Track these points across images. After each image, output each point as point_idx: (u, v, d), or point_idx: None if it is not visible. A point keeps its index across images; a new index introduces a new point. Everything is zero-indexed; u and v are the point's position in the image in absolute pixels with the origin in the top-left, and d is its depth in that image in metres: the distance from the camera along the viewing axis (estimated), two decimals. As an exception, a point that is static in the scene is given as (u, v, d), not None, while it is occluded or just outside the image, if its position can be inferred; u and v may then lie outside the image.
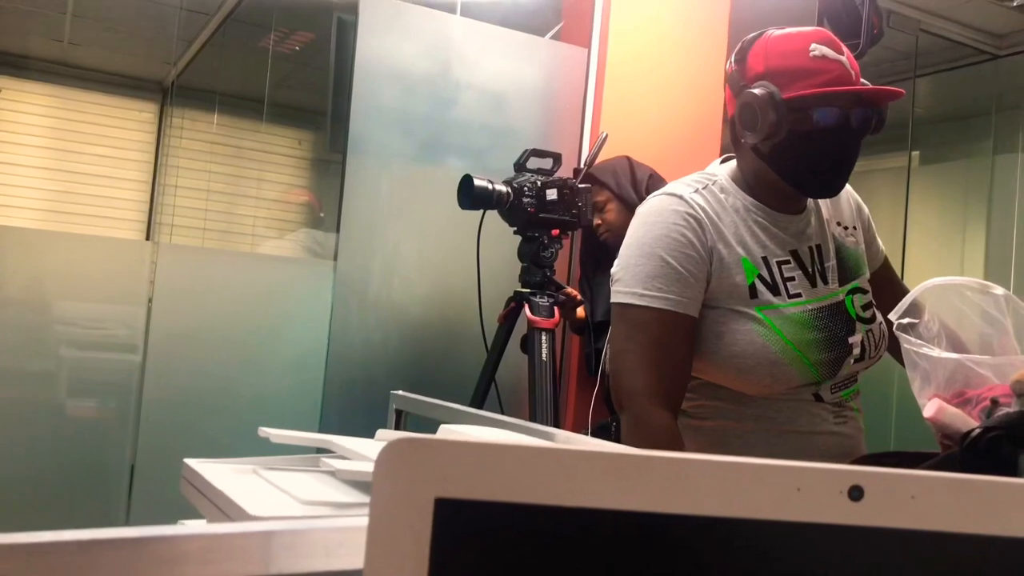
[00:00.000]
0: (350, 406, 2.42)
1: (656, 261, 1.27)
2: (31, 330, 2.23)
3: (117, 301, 2.30)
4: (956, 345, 1.19)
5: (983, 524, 0.45)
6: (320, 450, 0.94)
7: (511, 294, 2.30)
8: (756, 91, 1.24)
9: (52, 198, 5.17)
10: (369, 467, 0.71)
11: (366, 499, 0.72)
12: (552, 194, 2.22)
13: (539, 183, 2.22)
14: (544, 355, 2.18)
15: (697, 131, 2.82)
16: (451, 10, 2.74)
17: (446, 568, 0.42)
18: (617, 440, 1.97)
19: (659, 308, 1.26)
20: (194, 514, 0.86)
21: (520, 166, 2.28)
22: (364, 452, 0.80)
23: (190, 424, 2.31)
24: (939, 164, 4.08)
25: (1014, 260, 3.59)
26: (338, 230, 2.44)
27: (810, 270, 1.34)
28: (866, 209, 1.50)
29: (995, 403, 1.11)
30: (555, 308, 2.25)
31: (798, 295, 1.31)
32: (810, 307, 1.31)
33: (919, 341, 1.17)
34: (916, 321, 1.19)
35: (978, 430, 1.04)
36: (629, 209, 2.33)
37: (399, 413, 1.44)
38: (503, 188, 2.20)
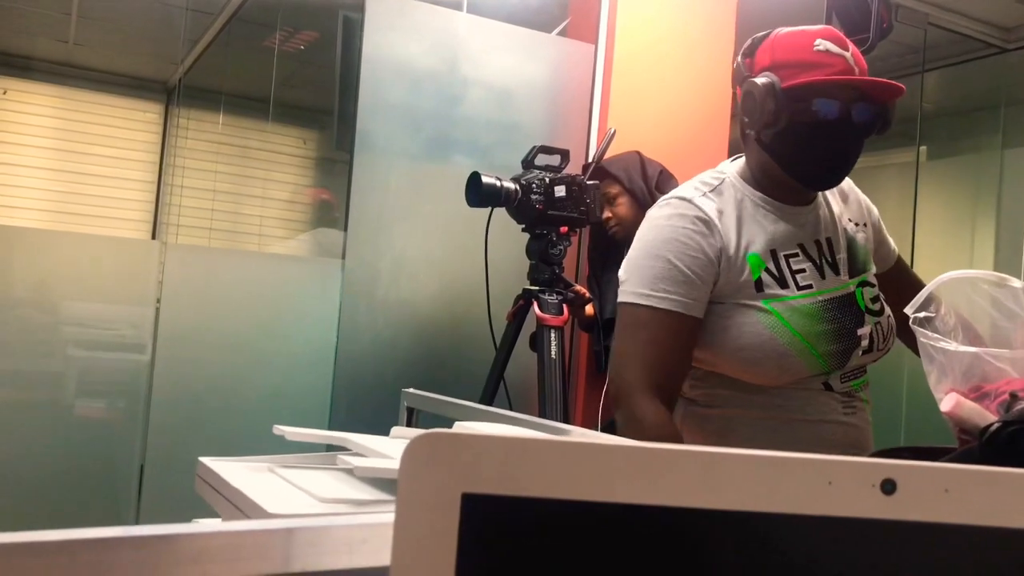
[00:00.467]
0: (359, 404, 2.41)
1: (662, 263, 1.28)
2: (39, 331, 2.23)
3: (125, 301, 2.30)
4: (973, 338, 1.18)
5: (1018, 518, 0.44)
6: (331, 448, 0.93)
7: (520, 292, 2.30)
8: (757, 80, 1.27)
9: (58, 199, 5.18)
10: (388, 464, 0.71)
11: (385, 496, 0.71)
12: (560, 191, 2.21)
13: (547, 180, 2.21)
14: (553, 353, 2.17)
15: (705, 126, 2.81)
16: (457, 7, 2.73)
17: (473, 564, 0.41)
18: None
19: (663, 309, 1.27)
20: (207, 513, 0.85)
21: (528, 163, 2.28)
22: (381, 449, 0.79)
23: (199, 423, 2.31)
24: (948, 159, 4.06)
25: (1024, 255, 3.57)
26: (346, 228, 2.43)
27: (819, 262, 1.35)
28: (876, 211, 1.51)
29: (1014, 397, 1.10)
30: (564, 306, 2.24)
31: (808, 286, 1.31)
32: (820, 298, 1.31)
33: (936, 335, 1.16)
34: (932, 315, 1.18)
35: (997, 424, 1.03)
36: (639, 204, 2.32)
37: (411, 411, 1.44)
38: (511, 185, 2.19)
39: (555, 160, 2.31)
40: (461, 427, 0.95)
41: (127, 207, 5.38)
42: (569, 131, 2.70)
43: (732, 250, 1.30)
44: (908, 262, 3.62)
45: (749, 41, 1.35)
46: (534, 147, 2.29)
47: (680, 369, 1.30)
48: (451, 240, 2.53)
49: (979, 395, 1.17)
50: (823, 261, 1.35)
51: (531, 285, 2.28)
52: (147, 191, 5.45)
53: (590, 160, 2.58)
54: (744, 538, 0.43)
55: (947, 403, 1.14)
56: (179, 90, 5.27)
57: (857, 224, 1.44)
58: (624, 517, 0.42)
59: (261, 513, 0.64)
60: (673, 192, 1.38)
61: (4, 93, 5.08)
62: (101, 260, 2.31)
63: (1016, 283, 1.18)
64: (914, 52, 3.66)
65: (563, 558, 0.42)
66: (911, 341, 1.40)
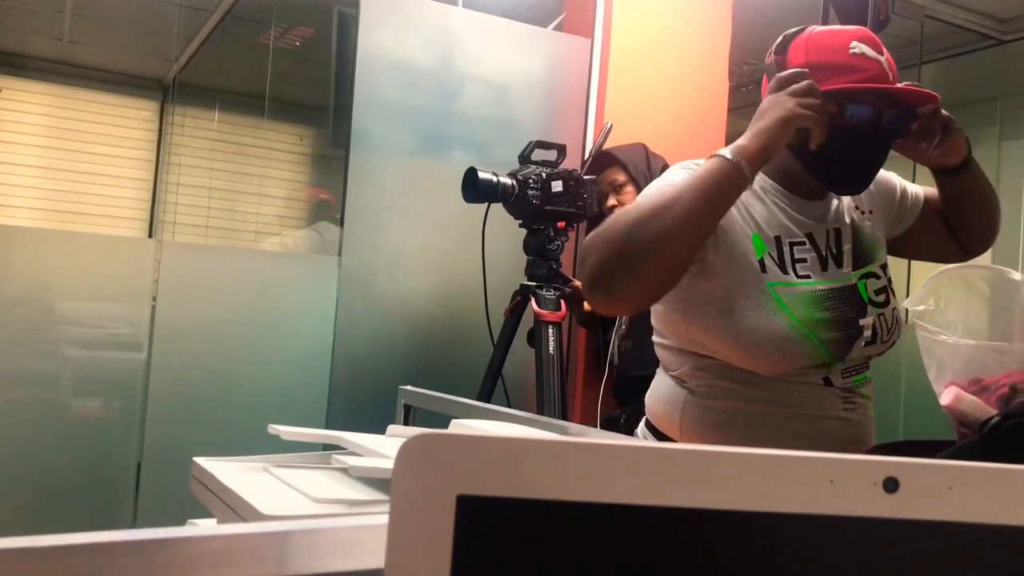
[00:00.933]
0: (356, 401, 2.41)
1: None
2: (36, 330, 2.22)
3: (121, 300, 2.29)
4: (972, 332, 1.18)
5: (1021, 515, 0.43)
6: (328, 447, 0.92)
7: (517, 287, 2.29)
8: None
9: (54, 197, 5.16)
10: (382, 463, 0.70)
11: (380, 496, 0.70)
12: (558, 186, 2.20)
13: (544, 175, 2.20)
14: (551, 348, 2.17)
15: (702, 120, 2.80)
16: (452, 2, 2.72)
17: (469, 566, 0.40)
18: (626, 433, 1.95)
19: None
20: (203, 512, 0.85)
21: (525, 158, 2.27)
22: (377, 448, 0.79)
23: (196, 421, 2.30)
24: (944, 151, 4.04)
25: (1022, 246, 3.57)
26: (342, 225, 2.42)
27: (824, 253, 1.34)
28: (887, 181, 1.49)
29: (1014, 390, 1.10)
30: (561, 301, 2.23)
31: (807, 276, 1.30)
32: (820, 287, 1.30)
33: (935, 328, 1.16)
34: (931, 308, 1.18)
35: (997, 418, 1.03)
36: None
37: (408, 408, 1.43)
38: (508, 181, 2.18)
39: (552, 155, 2.30)
40: (457, 425, 0.95)
41: (123, 205, 5.37)
42: (566, 126, 2.69)
43: (735, 223, 1.29)
44: (906, 258, 3.61)
45: (780, 38, 1.33)
46: (530, 142, 2.28)
47: None
48: (448, 236, 2.52)
49: (979, 388, 1.16)
50: (828, 252, 1.34)
51: (528, 281, 2.27)
52: (143, 189, 5.44)
53: (587, 155, 2.57)
54: (745, 538, 0.42)
55: (947, 397, 1.14)
56: (174, 87, 5.26)
57: (864, 212, 1.43)
58: (622, 518, 0.41)
59: (255, 514, 0.64)
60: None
61: (-1, 91, 5.07)
62: (97, 259, 2.30)
63: (1015, 276, 1.17)
64: (911, 45, 3.65)
65: (561, 560, 0.41)
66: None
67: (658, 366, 1.44)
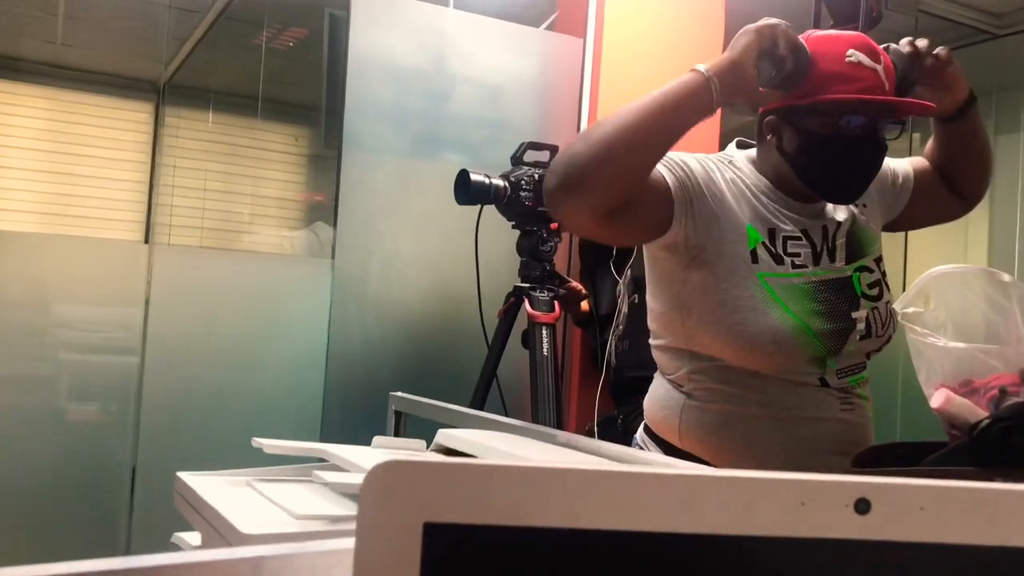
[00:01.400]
0: (351, 404, 2.40)
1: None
2: (28, 334, 2.22)
3: (115, 303, 2.29)
4: (962, 333, 1.17)
5: (995, 535, 0.43)
6: (320, 459, 0.92)
7: (511, 289, 2.28)
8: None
9: (48, 201, 5.15)
10: (360, 478, 0.70)
11: (361, 511, 0.70)
12: (550, 187, 2.20)
13: (537, 176, 2.20)
14: (545, 350, 2.16)
15: (695, 119, 2.79)
16: (444, 3, 2.72)
17: (437, 595, 0.40)
18: (624, 433, 1.95)
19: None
20: (187, 525, 0.84)
21: (517, 159, 2.26)
22: (359, 462, 0.78)
23: (191, 425, 2.30)
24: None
25: (1018, 242, 3.57)
26: (335, 227, 2.42)
27: (819, 248, 1.33)
28: (902, 174, 1.49)
29: (1004, 392, 1.09)
30: (555, 302, 2.23)
31: (801, 267, 1.30)
32: (813, 279, 1.30)
33: (925, 330, 1.15)
34: (921, 310, 1.17)
35: (987, 420, 1.02)
36: None
37: (399, 415, 1.43)
38: (500, 182, 2.18)
39: (544, 156, 2.30)
40: (443, 435, 0.95)
41: (119, 208, 5.36)
42: (559, 126, 2.69)
43: (728, 212, 1.28)
44: (901, 248, 3.60)
45: None
46: (523, 143, 2.27)
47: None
48: (441, 238, 2.52)
49: (969, 390, 1.16)
50: (823, 247, 1.33)
51: (522, 282, 2.27)
52: (139, 191, 5.43)
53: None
54: (715, 562, 0.42)
55: (937, 399, 1.13)
56: (168, 89, 5.24)
57: (858, 205, 1.42)
58: (593, 543, 0.41)
59: (234, 533, 0.63)
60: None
61: (-8, 95, 5.06)
62: (90, 263, 2.29)
63: (1006, 277, 1.17)
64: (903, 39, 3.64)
65: (530, 587, 0.41)
66: None
67: (655, 368, 1.44)
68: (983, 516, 0.43)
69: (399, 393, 1.43)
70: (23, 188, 5.07)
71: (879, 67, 1.25)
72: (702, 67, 1.21)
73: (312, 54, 4.19)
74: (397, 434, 1.41)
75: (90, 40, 4.97)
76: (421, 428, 1.23)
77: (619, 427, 2.10)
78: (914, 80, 1.32)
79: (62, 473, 2.19)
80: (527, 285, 2.24)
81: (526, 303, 2.21)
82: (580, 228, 1.50)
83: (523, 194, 2.18)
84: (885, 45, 1.31)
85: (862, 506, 0.42)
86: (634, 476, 0.41)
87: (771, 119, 1.32)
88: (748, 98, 1.25)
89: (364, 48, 2.43)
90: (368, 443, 1.03)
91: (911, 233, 3.56)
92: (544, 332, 2.18)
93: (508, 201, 2.19)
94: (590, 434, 2.20)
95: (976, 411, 1.11)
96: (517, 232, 2.29)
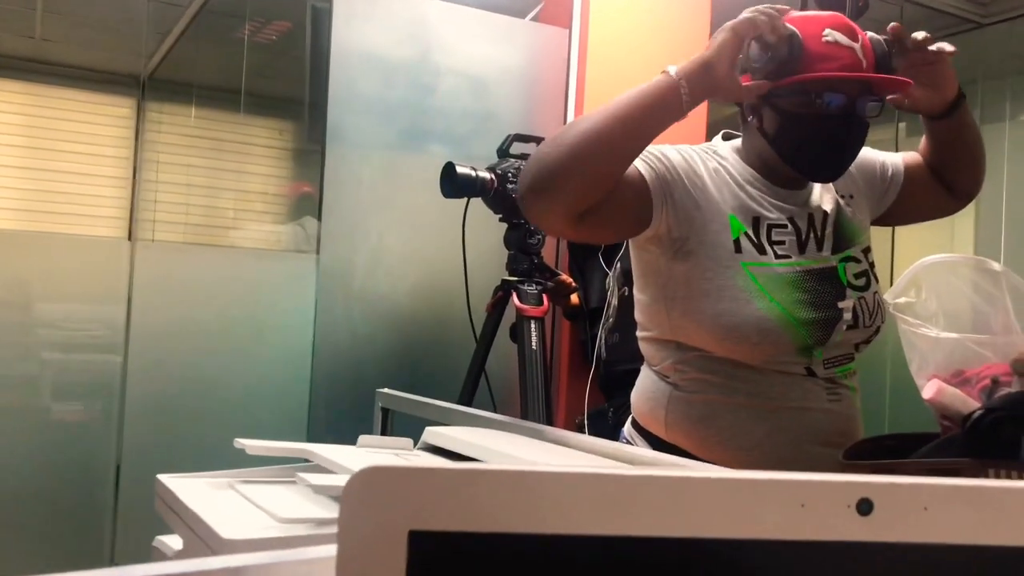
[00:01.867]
0: (338, 401, 2.38)
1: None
2: (10, 333, 2.18)
3: (96, 301, 2.26)
4: (953, 323, 1.17)
5: (999, 534, 0.41)
6: (304, 459, 0.90)
7: (499, 283, 2.27)
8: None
9: (29, 198, 5.09)
10: (343, 480, 0.68)
11: (347, 513, 0.68)
12: (537, 179, 2.18)
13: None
14: (534, 344, 2.15)
15: (682, 110, 2.78)
16: (428, -6, 2.69)
17: (423, 606, 0.38)
18: (615, 427, 1.94)
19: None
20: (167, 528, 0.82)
21: (504, 151, 2.25)
22: (344, 463, 0.77)
23: (175, 423, 2.27)
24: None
25: (1003, 230, 3.57)
26: (320, 220, 2.40)
27: (804, 236, 1.33)
28: (867, 158, 1.48)
29: (995, 383, 1.09)
30: (544, 296, 2.21)
31: (785, 257, 1.29)
32: (798, 268, 1.29)
33: (917, 321, 1.14)
34: (913, 300, 1.17)
35: (980, 411, 1.02)
36: None
37: (385, 412, 1.41)
38: (487, 175, 2.16)
39: (531, 148, 2.27)
40: (431, 433, 0.93)
41: (101, 204, 5.30)
42: (545, 118, 2.67)
43: (711, 202, 1.28)
44: (889, 237, 3.60)
45: None
46: (509, 135, 2.26)
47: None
48: (428, 232, 2.49)
49: (960, 381, 1.15)
50: (810, 235, 1.33)
51: (510, 276, 2.25)
52: (122, 187, 5.37)
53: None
54: (715, 567, 0.40)
55: (929, 390, 1.12)
56: (150, 84, 5.19)
57: (844, 196, 1.42)
58: (583, 549, 0.39)
59: (215, 539, 0.61)
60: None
61: (-30, 91, 4.99)
62: (71, 260, 2.26)
63: (996, 267, 1.16)
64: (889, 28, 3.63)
65: (520, 595, 0.39)
66: None
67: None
68: (988, 515, 0.41)
69: (386, 390, 1.41)
70: (3, 185, 5.01)
71: (856, 45, 1.25)
72: (672, 69, 1.21)
73: (295, 47, 4.15)
74: (384, 432, 1.39)
75: (69, 34, 4.91)
76: (409, 425, 1.21)
77: (610, 420, 2.09)
78: (894, 66, 1.32)
79: (46, 473, 2.16)
80: (515, 279, 2.22)
81: (514, 297, 2.19)
82: (553, 230, 1.50)
83: (510, 186, 2.17)
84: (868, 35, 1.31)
85: (864, 507, 0.40)
86: (626, 479, 0.40)
87: (751, 101, 1.32)
88: (725, 97, 1.24)
89: (347, 40, 2.40)
90: (355, 441, 1.01)
91: (898, 223, 3.56)
92: (533, 326, 2.16)
93: (495, 194, 2.17)
94: (580, 428, 2.19)
95: (968, 401, 1.10)
96: (504, 225, 2.27)
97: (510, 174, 2.17)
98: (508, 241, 2.26)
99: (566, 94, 2.69)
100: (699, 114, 2.82)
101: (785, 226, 1.32)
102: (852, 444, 1.25)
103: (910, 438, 1.24)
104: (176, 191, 4.65)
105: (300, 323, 2.37)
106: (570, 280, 2.36)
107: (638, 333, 1.42)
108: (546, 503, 0.39)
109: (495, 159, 2.26)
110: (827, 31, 1.24)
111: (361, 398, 2.36)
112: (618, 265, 2.08)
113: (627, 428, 1.44)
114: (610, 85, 2.67)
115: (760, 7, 1.23)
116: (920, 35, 1.31)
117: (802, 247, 1.31)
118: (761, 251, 1.28)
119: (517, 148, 2.26)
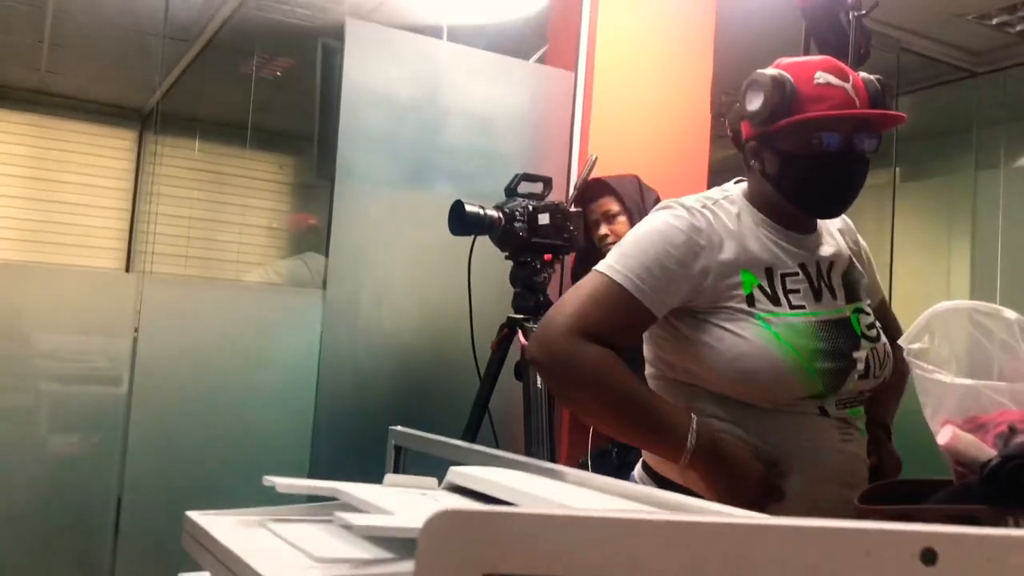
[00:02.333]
0: (341, 437, 2.37)
1: (641, 251, 1.29)
2: (13, 364, 2.17)
3: (103, 333, 2.25)
4: (967, 370, 1.17)
5: (1060, 584, 0.42)
6: (312, 498, 0.89)
7: (504, 320, 2.27)
8: (766, 72, 1.30)
9: (30, 228, 5.10)
10: (389, 521, 0.68)
11: (384, 554, 0.68)
12: (544, 218, 2.20)
13: (531, 207, 2.20)
14: (539, 382, 2.14)
15: (685, 152, 2.81)
16: (437, 35, 2.73)
17: (496, 650, 0.39)
18: (619, 468, 1.93)
19: (615, 281, 1.26)
20: (191, 565, 0.82)
21: (511, 190, 2.27)
22: (377, 502, 0.77)
23: (178, 458, 2.26)
24: (922, 181, 4.11)
25: (999, 276, 3.61)
26: (327, 256, 2.40)
27: (816, 284, 1.35)
28: (867, 250, 1.52)
29: (1012, 430, 1.09)
30: (549, 334, 2.21)
31: (801, 307, 1.31)
32: (813, 319, 1.30)
33: (930, 367, 1.15)
34: (926, 346, 1.18)
35: (998, 459, 1.02)
36: (634, 225, 2.31)
37: (398, 449, 1.40)
38: (495, 213, 2.18)
39: (538, 188, 2.30)
40: (455, 473, 0.93)
41: (100, 235, 5.31)
42: (550, 158, 2.69)
43: (723, 262, 1.29)
44: (886, 281, 3.63)
45: (749, 80, 1.35)
46: (517, 175, 2.28)
47: (614, 338, 1.27)
48: (434, 269, 2.50)
49: (974, 427, 1.16)
50: (821, 284, 1.34)
51: (515, 313, 2.25)
52: (121, 219, 5.38)
53: (571, 187, 2.57)
54: (780, 614, 0.41)
55: (944, 436, 1.13)
56: (154, 117, 5.23)
57: (853, 256, 1.45)
58: (655, 595, 0.39)
59: (257, 578, 0.61)
60: (675, 199, 1.38)
61: (-27, 121, 5.01)
62: (78, 292, 2.26)
63: (1010, 314, 1.17)
64: (887, 76, 3.70)
65: (591, 640, 0.39)
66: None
67: None
68: (1048, 566, 0.42)
69: (399, 427, 1.40)
70: (4, 215, 5.02)
71: (847, 85, 1.29)
72: (691, 439, 1.23)
73: (302, 83, 4.19)
74: (396, 470, 1.38)
75: (75, 67, 4.95)
76: (421, 466, 1.21)
77: (614, 460, 2.09)
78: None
79: (46, 506, 2.14)
80: (521, 316, 2.23)
81: (520, 334, 2.20)
82: None
83: (517, 225, 2.18)
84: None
85: (928, 556, 0.41)
86: (698, 526, 0.40)
87: (752, 144, 1.36)
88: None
89: (358, 78, 2.43)
90: (357, 477, 1.00)
91: (896, 260, 3.60)
92: (538, 364, 2.16)
93: (502, 232, 2.19)
94: (583, 467, 2.18)
95: (984, 448, 1.11)
96: (510, 263, 2.28)
97: (518, 213, 2.19)
98: (514, 278, 2.27)
99: (571, 135, 2.73)
100: (701, 156, 2.85)
101: (797, 274, 1.33)
102: (866, 489, 1.26)
103: (924, 484, 1.24)
104: (176, 224, 4.66)
105: (305, 358, 2.37)
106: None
107: (647, 372, 1.42)
108: (616, 548, 0.40)
109: (501, 197, 2.28)
110: (818, 73, 1.29)
111: (364, 434, 2.35)
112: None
113: (637, 471, 1.44)
114: (615, 126, 2.71)
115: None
116: None
117: (817, 295, 1.33)
118: (775, 302, 1.29)
119: (525, 187, 2.28)
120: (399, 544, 0.69)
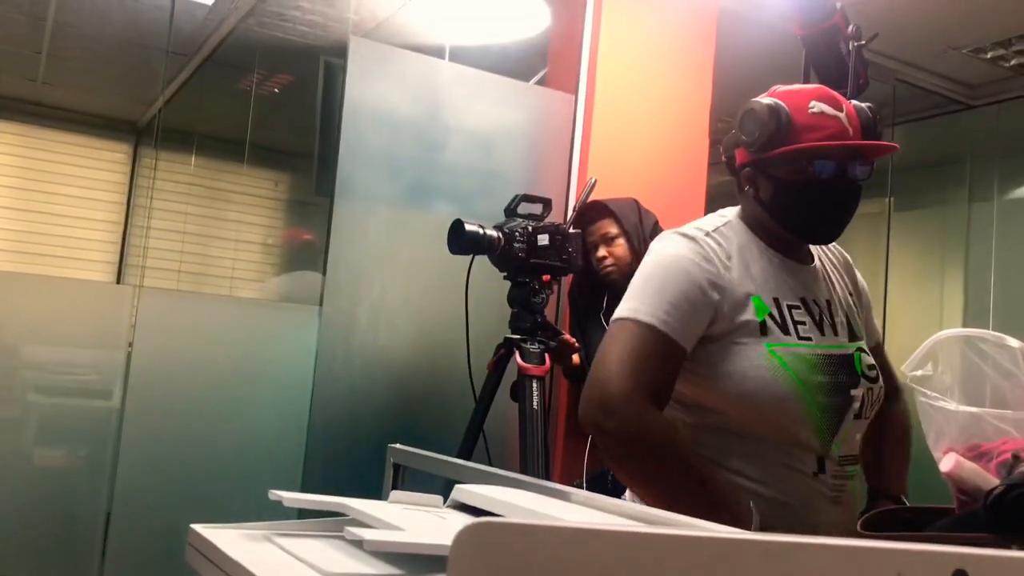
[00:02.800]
0: (334, 455, 2.35)
1: (660, 287, 1.28)
2: (8, 376, 2.15)
3: (96, 346, 2.23)
4: (969, 397, 1.18)
5: (1090, 609, 0.42)
6: (303, 512, 0.88)
7: (501, 340, 2.27)
8: (762, 100, 1.32)
9: (20, 238, 5.07)
10: (401, 537, 0.67)
11: (392, 570, 0.67)
12: (543, 239, 2.20)
13: (530, 228, 2.20)
14: (535, 403, 2.14)
15: (683, 176, 2.83)
16: (439, 55, 2.74)
17: (526, 666, 0.38)
18: (612, 491, 1.92)
19: (652, 325, 1.25)
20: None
21: (511, 211, 2.27)
22: (384, 517, 0.76)
23: (169, 473, 2.23)
24: (916, 211, 4.14)
25: (992, 307, 3.63)
26: (324, 274, 2.39)
27: (818, 319, 1.35)
28: (867, 291, 1.53)
29: (1016, 458, 1.09)
30: (546, 355, 2.21)
31: (808, 339, 1.31)
32: (819, 351, 1.31)
33: (934, 394, 1.16)
34: (930, 373, 1.18)
35: (1002, 487, 1.02)
36: (634, 248, 2.31)
37: (397, 467, 1.39)
38: (494, 233, 2.18)
39: (537, 209, 2.30)
40: (461, 491, 0.92)
41: (91, 248, 5.28)
42: (549, 180, 2.70)
43: (734, 288, 1.30)
44: (880, 310, 3.65)
45: (744, 110, 1.36)
46: (517, 195, 2.28)
47: (663, 391, 1.27)
48: (431, 288, 2.50)
49: (976, 455, 1.16)
50: (823, 319, 1.35)
51: (513, 334, 2.25)
52: (112, 232, 5.36)
53: (570, 209, 2.57)
54: (811, 634, 0.40)
55: (947, 463, 1.13)
56: (149, 131, 5.22)
57: (852, 296, 1.46)
58: (687, 613, 0.39)
59: (268, 592, 0.60)
60: (677, 229, 1.39)
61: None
62: (74, 305, 2.24)
63: (1013, 343, 1.18)
64: (883, 107, 3.74)
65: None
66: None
67: None
68: (1080, 590, 0.42)
69: (397, 445, 1.39)
70: (-6, 225, 4.99)
71: (841, 114, 1.32)
72: (755, 522, 1.24)
73: (300, 99, 4.20)
74: (395, 487, 1.37)
75: (71, 79, 4.95)
76: (419, 484, 1.20)
77: (609, 483, 2.08)
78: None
79: (34, 519, 2.11)
80: (518, 337, 2.22)
81: (517, 355, 2.19)
82: None
83: (516, 245, 2.18)
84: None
85: (960, 578, 0.40)
86: (731, 542, 0.40)
87: (747, 171, 1.37)
88: None
89: (359, 96, 2.43)
90: (349, 495, 0.99)
91: (890, 288, 3.62)
92: (534, 385, 2.15)
93: (501, 252, 2.19)
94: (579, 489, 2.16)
95: (986, 477, 1.11)
96: (507, 283, 2.28)
97: (517, 233, 2.19)
98: (512, 299, 2.27)
99: (570, 157, 2.74)
100: (699, 180, 2.87)
101: (799, 307, 1.34)
102: (867, 516, 1.25)
103: (925, 511, 1.24)
104: (169, 238, 4.64)
105: (300, 375, 2.36)
106: (573, 340, 2.36)
107: None
108: (647, 564, 0.39)
109: (499, 217, 2.28)
110: (812, 102, 1.31)
111: (357, 452, 2.34)
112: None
113: (628, 494, 1.43)
114: (614, 149, 2.72)
115: None
116: None
117: (820, 328, 1.34)
118: (785, 331, 1.30)
119: (524, 208, 2.28)
120: (407, 560, 0.69)
